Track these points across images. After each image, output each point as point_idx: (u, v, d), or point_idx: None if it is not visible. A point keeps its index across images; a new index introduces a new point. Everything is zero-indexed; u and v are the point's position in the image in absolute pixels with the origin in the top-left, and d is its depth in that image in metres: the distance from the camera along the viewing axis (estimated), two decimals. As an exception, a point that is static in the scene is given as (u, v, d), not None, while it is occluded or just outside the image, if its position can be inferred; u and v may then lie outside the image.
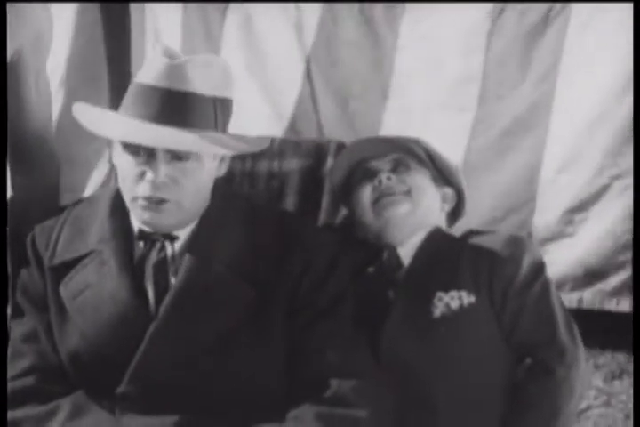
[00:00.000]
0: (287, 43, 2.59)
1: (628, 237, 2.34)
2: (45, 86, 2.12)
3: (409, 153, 1.92)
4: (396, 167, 1.92)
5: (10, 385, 1.77)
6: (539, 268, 1.87)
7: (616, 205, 2.35)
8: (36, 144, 2.01)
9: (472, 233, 1.95)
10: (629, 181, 2.35)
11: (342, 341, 1.75)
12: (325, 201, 2.08)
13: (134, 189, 1.69)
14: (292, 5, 2.57)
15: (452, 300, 1.82)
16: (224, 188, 1.83)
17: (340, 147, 2.13)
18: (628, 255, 2.35)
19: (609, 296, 2.50)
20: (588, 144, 2.37)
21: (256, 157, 2.10)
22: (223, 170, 1.79)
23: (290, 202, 2.10)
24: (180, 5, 2.64)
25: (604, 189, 2.39)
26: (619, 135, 2.35)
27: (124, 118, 1.69)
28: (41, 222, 1.86)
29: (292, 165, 2.12)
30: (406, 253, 1.91)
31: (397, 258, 1.91)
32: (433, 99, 2.53)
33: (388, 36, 2.56)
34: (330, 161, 2.11)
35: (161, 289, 1.74)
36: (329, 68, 2.59)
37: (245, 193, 2.08)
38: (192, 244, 1.75)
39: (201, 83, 1.67)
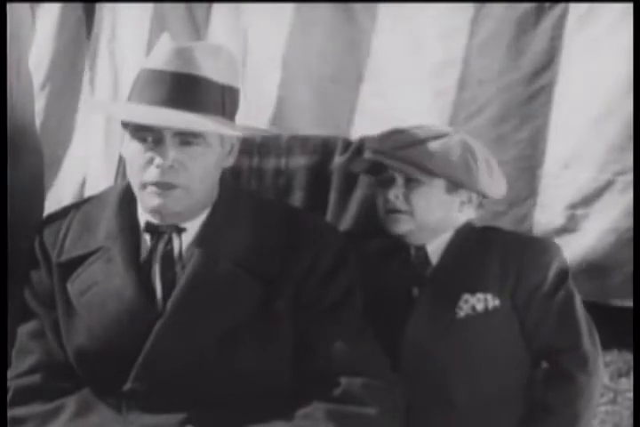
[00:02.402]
0: (266, 25, 2.58)
1: (631, 233, 2.33)
2: (27, 75, 2.11)
3: (421, 167, 1.86)
4: (409, 181, 1.87)
5: (16, 382, 1.77)
6: (564, 275, 1.87)
7: (619, 201, 2.34)
8: (18, 134, 1.99)
9: (501, 232, 1.94)
10: (632, 177, 2.34)
11: (351, 337, 1.74)
12: (332, 198, 2.08)
13: (143, 175, 1.68)
14: None
15: (477, 302, 1.83)
16: (232, 182, 1.82)
17: (347, 144, 2.12)
18: (631, 252, 2.33)
19: (613, 292, 2.50)
20: (593, 139, 2.36)
21: (263, 153, 2.10)
22: (231, 160, 1.78)
23: (297, 199, 2.09)
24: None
25: (608, 185, 2.38)
26: (624, 130, 2.33)
27: (132, 104, 1.69)
28: (25, 214, 1.87)
29: (299, 161, 2.11)
30: (434, 250, 1.90)
31: (425, 255, 1.91)
32: (410, 82, 2.51)
33: (364, 18, 2.55)
34: (337, 158, 2.10)
35: (168, 285, 1.73)
36: (305, 52, 2.58)
37: (253, 189, 2.07)
38: (200, 238, 1.74)
39: (209, 68, 1.66)
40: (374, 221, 2.02)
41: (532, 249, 1.87)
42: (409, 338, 1.83)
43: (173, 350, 1.70)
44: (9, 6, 1.94)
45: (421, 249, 1.90)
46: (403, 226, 1.87)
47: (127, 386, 1.71)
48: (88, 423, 1.72)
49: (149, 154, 1.67)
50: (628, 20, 2.30)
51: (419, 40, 2.52)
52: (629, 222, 2.34)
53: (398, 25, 2.53)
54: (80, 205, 1.87)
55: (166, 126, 1.64)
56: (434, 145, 1.87)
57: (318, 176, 2.10)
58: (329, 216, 2.05)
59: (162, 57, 1.67)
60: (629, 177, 2.36)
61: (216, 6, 2.65)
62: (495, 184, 1.92)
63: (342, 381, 1.70)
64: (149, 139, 1.66)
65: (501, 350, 1.84)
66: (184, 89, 1.65)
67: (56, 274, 1.78)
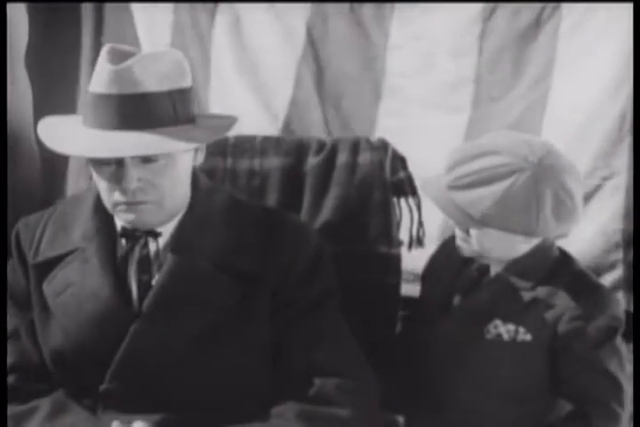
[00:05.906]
0: (277, 44, 2.58)
1: (619, 236, 2.35)
2: (23, 78, 2.11)
3: (471, 218, 1.79)
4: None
5: (-10, 383, 1.77)
6: (612, 330, 1.80)
7: (607, 205, 2.35)
8: (14, 138, 1.99)
9: (569, 272, 1.88)
10: (620, 181, 2.36)
11: (328, 338, 1.75)
12: (306, 199, 2.08)
13: (112, 196, 1.68)
14: (280, 5, 2.56)
15: (505, 332, 1.82)
16: (206, 181, 1.82)
17: (321, 145, 2.12)
18: (620, 255, 2.34)
19: None
20: (580, 145, 2.38)
21: (237, 154, 2.10)
22: (201, 158, 1.78)
23: (271, 200, 2.09)
24: (170, 6, 2.61)
25: (596, 190, 2.40)
26: (610, 136, 2.34)
27: (84, 131, 1.67)
28: (21, 216, 1.86)
29: (273, 162, 2.11)
30: (495, 268, 1.90)
31: (487, 270, 1.91)
32: (427, 99, 2.53)
33: (378, 35, 2.56)
34: (310, 159, 2.11)
35: (144, 286, 1.74)
36: (319, 69, 2.59)
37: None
38: (175, 240, 1.75)
39: (151, 80, 1.64)
40: (348, 223, 2.04)
41: (583, 299, 1.80)
42: (434, 340, 1.88)
43: (150, 350, 1.70)
44: (9, 6, 1.93)
45: (485, 266, 1.91)
46: (464, 251, 1.88)
47: (103, 386, 1.71)
48: (62, 425, 1.72)
49: (114, 176, 1.66)
50: (612, 29, 2.32)
51: (432, 58, 2.53)
52: (617, 226, 2.34)
53: (410, 42, 2.53)
54: (56, 206, 1.87)
55: (117, 157, 1.63)
56: (495, 189, 1.74)
57: (292, 177, 2.10)
58: (303, 217, 2.06)
59: (102, 80, 1.64)
60: (616, 181, 2.37)
61: (219, 16, 2.62)
62: (562, 226, 1.80)
63: (316, 381, 1.71)
64: (111, 161, 1.65)
65: (516, 381, 1.84)
66: (131, 110, 1.63)
67: (32, 275, 1.79)
